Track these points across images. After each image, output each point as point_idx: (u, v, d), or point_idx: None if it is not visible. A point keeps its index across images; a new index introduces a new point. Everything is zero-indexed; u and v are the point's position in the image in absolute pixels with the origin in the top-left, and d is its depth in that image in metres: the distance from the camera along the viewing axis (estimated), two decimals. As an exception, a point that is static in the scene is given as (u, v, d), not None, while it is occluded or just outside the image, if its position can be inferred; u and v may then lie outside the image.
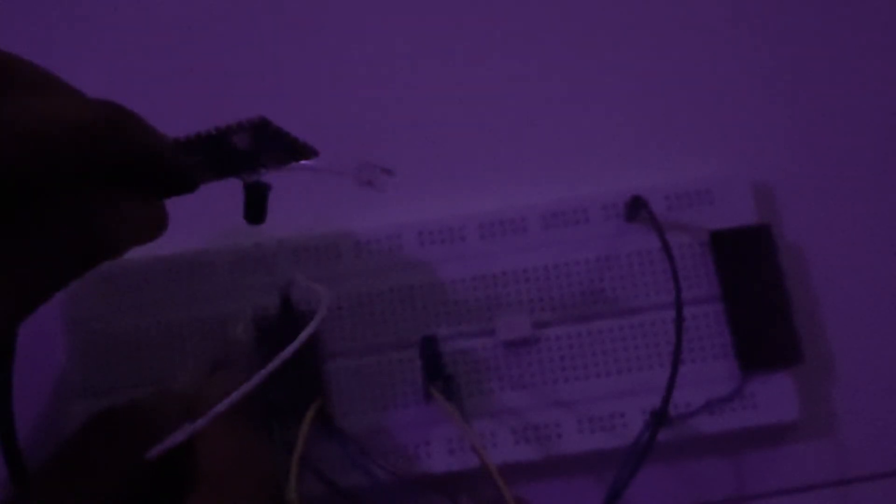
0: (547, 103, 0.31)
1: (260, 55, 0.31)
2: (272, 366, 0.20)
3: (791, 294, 0.27)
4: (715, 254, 0.27)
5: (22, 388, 0.22)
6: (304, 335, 0.21)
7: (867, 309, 0.29)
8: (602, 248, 0.28)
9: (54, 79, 0.19)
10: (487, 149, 0.30)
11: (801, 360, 0.27)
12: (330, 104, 0.31)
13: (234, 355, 0.27)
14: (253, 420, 0.23)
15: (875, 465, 0.27)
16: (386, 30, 0.31)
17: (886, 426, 0.28)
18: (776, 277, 0.27)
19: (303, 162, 0.21)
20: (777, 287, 0.27)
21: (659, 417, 0.25)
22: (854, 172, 0.30)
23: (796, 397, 0.27)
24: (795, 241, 0.29)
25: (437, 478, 0.26)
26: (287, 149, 0.21)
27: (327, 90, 0.31)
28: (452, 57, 0.31)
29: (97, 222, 0.19)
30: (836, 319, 0.28)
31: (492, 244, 0.28)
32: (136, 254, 0.22)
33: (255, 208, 0.22)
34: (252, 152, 0.20)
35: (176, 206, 0.22)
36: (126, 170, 0.19)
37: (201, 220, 0.27)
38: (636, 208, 0.27)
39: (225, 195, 0.22)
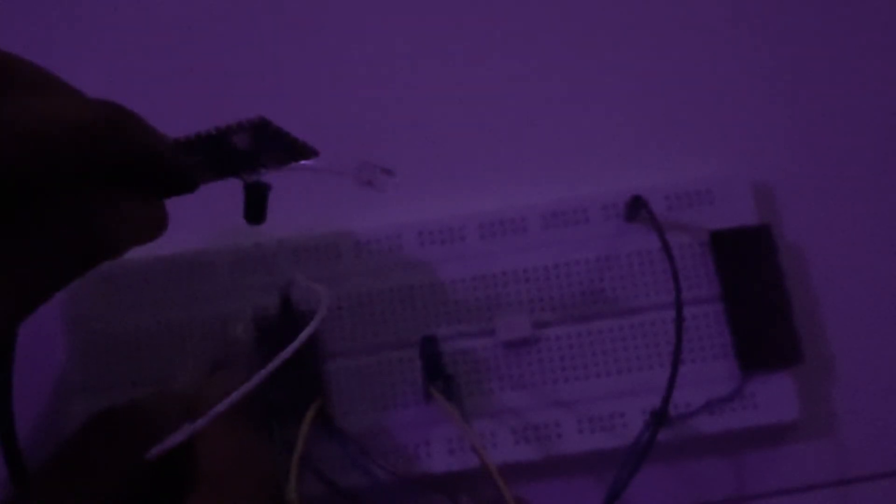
0: (547, 103, 0.31)
1: (260, 55, 0.31)
2: (272, 366, 0.20)
3: (791, 294, 0.27)
4: (715, 254, 0.27)
5: (22, 388, 0.22)
6: (303, 335, 0.21)
7: (867, 309, 0.29)
8: (602, 248, 0.28)
9: (54, 79, 0.19)
10: (487, 149, 0.30)
11: (801, 360, 0.27)
12: (330, 104, 0.31)
13: (234, 355, 0.27)
14: (253, 420, 0.23)
15: (875, 465, 0.27)
16: (386, 30, 0.31)
17: (886, 426, 0.28)
18: (776, 277, 0.27)
19: (303, 162, 0.21)
20: (777, 287, 0.27)
21: (659, 417, 0.25)
22: (854, 172, 0.30)
23: (796, 397, 0.27)
24: (795, 241, 0.29)
25: (437, 478, 0.26)
26: (287, 149, 0.21)
27: (327, 90, 0.31)
28: (452, 57, 0.31)
29: (97, 222, 0.19)
30: (836, 319, 0.28)
31: (492, 244, 0.28)
32: (136, 254, 0.22)
33: (255, 208, 0.22)
34: (252, 152, 0.20)
35: (176, 206, 0.22)
36: (126, 170, 0.19)
37: (201, 220, 0.27)
38: (636, 208, 0.27)
39: (225, 195, 0.22)
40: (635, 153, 0.30)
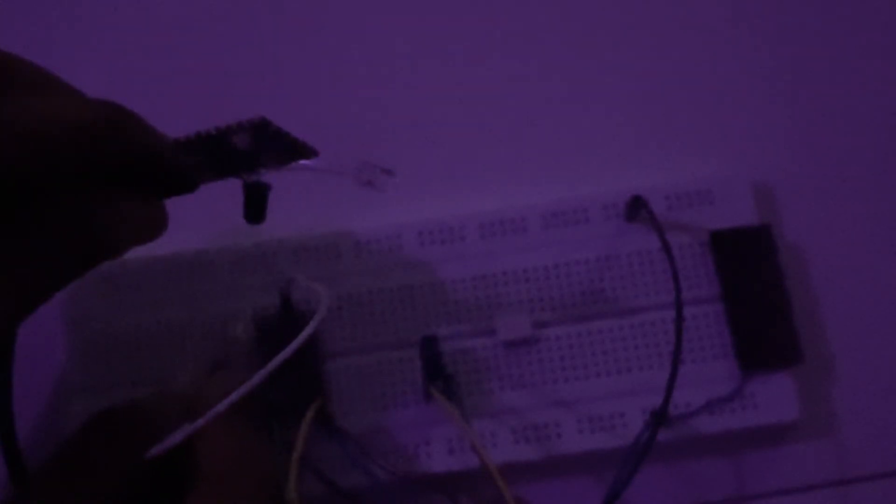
0: (547, 103, 0.31)
1: (260, 55, 0.31)
2: (272, 365, 0.20)
3: (791, 294, 0.27)
4: (715, 254, 0.27)
5: (22, 388, 0.22)
6: (303, 334, 0.21)
7: (867, 309, 0.29)
8: (602, 248, 0.28)
9: (54, 79, 0.19)
10: (487, 149, 0.30)
11: (801, 360, 0.27)
12: (330, 104, 0.31)
13: (234, 355, 0.27)
14: (253, 420, 0.23)
15: (875, 465, 0.27)
16: (386, 30, 0.31)
17: (886, 426, 0.28)
18: (776, 277, 0.27)
19: (303, 162, 0.21)
20: (777, 287, 0.27)
21: (659, 417, 0.25)
22: (854, 172, 0.30)
23: (796, 397, 0.27)
24: (795, 241, 0.29)
25: (437, 478, 0.26)
26: (287, 149, 0.21)
27: (327, 90, 0.31)
28: (452, 57, 0.31)
29: (97, 222, 0.19)
30: (836, 319, 0.28)
31: (492, 244, 0.28)
32: (136, 254, 0.22)
33: (255, 208, 0.22)
34: (252, 152, 0.20)
35: (176, 206, 0.22)
36: (126, 170, 0.19)
37: (201, 220, 0.27)
38: (636, 208, 0.27)
39: (225, 195, 0.22)
40: (635, 153, 0.30)
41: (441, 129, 0.30)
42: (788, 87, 0.30)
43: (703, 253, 0.28)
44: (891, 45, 0.31)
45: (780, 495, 0.27)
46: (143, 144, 0.19)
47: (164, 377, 0.27)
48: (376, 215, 0.28)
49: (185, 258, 0.28)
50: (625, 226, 0.28)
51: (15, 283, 0.17)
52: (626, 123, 0.30)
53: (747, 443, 0.27)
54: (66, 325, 0.27)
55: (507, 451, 0.26)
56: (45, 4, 0.32)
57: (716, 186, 0.28)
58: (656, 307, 0.27)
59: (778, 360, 0.27)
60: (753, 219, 0.28)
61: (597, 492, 0.26)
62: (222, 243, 0.28)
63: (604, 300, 0.27)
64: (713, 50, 0.31)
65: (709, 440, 0.27)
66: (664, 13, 0.31)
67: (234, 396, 0.20)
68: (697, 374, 0.27)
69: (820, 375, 0.28)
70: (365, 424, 0.26)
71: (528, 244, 0.28)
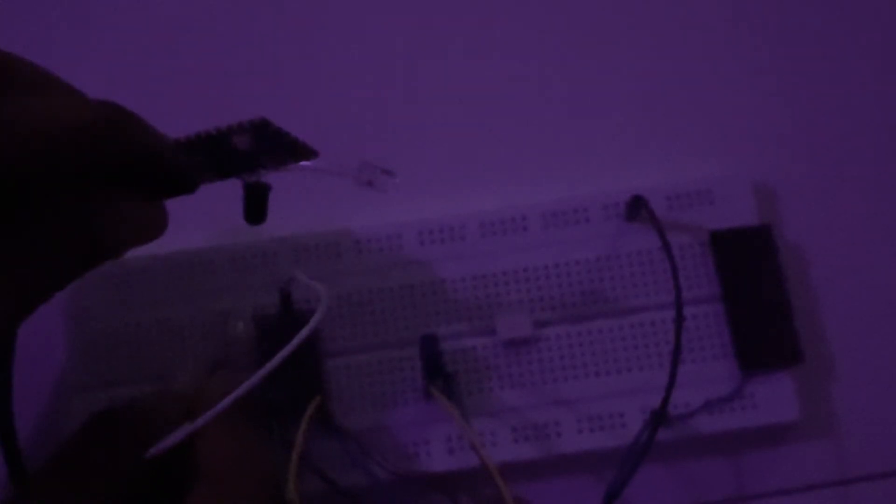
0: (547, 103, 0.31)
1: (260, 55, 0.31)
2: (271, 364, 0.20)
3: (791, 294, 0.27)
4: (715, 254, 0.27)
5: (22, 388, 0.22)
6: (303, 333, 0.21)
7: (867, 309, 0.29)
8: (602, 247, 0.28)
9: (54, 79, 0.19)
10: (487, 149, 0.30)
11: (801, 360, 0.27)
12: (330, 104, 0.31)
13: (234, 354, 0.27)
14: (253, 419, 0.23)
15: (875, 465, 0.27)
16: (386, 30, 0.31)
17: (886, 426, 0.28)
18: (776, 277, 0.27)
19: (303, 162, 0.21)
20: (777, 287, 0.27)
21: (658, 417, 0.25)
22: (854, 172, 0.30)
23: (796, 397, 0.27)
24: (795, 241, 0.29)
25: (436, 477, 0.26)
26: (287, 149, 0.21)
27: (327, 90, 0.31)
28: (452, 57, 0.31)
29: (97, 222, 0.19)
30: (836, 319, 0.28)
31: (492, 243, 0.28)
32: (136, 253, 0.22)
33: (255, 209, 0.22)
34: (252, 153, 0.20)
35: (176, 206, 0.22)
36: (126, 170, 0.19)
37: (201, 220, 0.27)
38: (636, 208, 0.27)
39: (225, 195, 0.22)
40: (635, 153, 0.30)
41: (441, 129, 0.30)
42: (788, 87, 0.30)
43: (703, 253, 0.28)
44: (891, 45, 0.31)
45: (780, 495, 0.27)
46: (143, 144, 0.19)
47: (164, 376, 0.27)
48: (376, 215, 0.28)
49: (185, 258, 0.28)
50: (625, 226, 0.28)
51: (15, 283, 0.17)
52: (626, 123, 0.30)
53: (747, 443, 0.27)
54: (67, 325, 0.27)
55: (507, 450, 0.26)
56: (45, 4, 0.32)
57: (716, 186, 0.28)
58: (656, 307, 0.27)
59: (778, 360, 0.27)
60: (753, 219, 0.28)
61: (596, 491, 0.26)
62: (222, 243, 0.28)
63: (604, 300, 0.27)
64: (713, 50, 0.31)
65: (708, 440, 0.27)
66: (664, 13, 0.31)
67: (233, 396, 0.20)
68: (697, 374, 0.27)
69: (820, 375, 0.28)
70: (365, 423, 0.26)
71: (529, 244, 0.28)
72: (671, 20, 0.31)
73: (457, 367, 0.27)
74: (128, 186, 0.20)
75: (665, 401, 0.25)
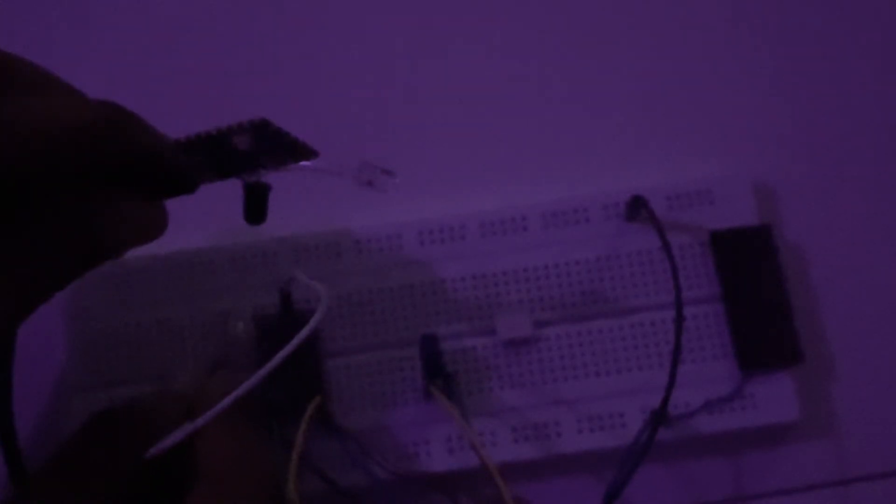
0: (547, 103, 0.31)
1: (260, 55, 0.31)
2: (271, 364, 0.20)
3: (791, 294, 0.27)
4: (715, 254, 0.27)
5: (22, 388, 0.22)
6: (303, 333, 0.21)
7: (867, 309, 0.29)
8: (602, 247, 0.28)
9: (54, 79, 0.19)
10: (487, 149, 0.30)
11: (801, 360, 0.27)
12: (330, 104, 0.31)
13: (234, 354, 0.27)
14: (253, 419, 0.23)
15: (875, 465, 0.27)
16: (386, 30, 0.31)
17: (886, 426, 0.28)
18: (776, 277, 0.27)
19: (303, 162, 0.21)
20: (777, 287, 0.27)
21: (658, 417, 0.25)
22: (854, 172, 0.30)
23: (796, 397, 0.27)
24: (795, 241, 0.29)
25: (436, 476, 0.26)
26: (287, 149, 0.21)
27: (327, 90, 0.31)
28: (452, 57, 0.31)
29: (97, 222, 0.19)
30: (836, 319, 0.28)
31: (492, 243, 0.28)
32: (136, 253, 0.22)
33: (255, 209, 0.22)
34: (252, 153, 0.20)
35: (176, 206, 0.22)
36: (126, 170, 0.19)
37: (201, 220, 0.27)
38: (636, 208, 0.27)
39: (225, 195, 0.22)
40: (635, 153, 0.30)
41: (441, 129, 0.30)
42: (788, 87, 0.30)
43: (703, 253, 0.28)
44: (891, 45, 0.31)
45: (780, 495, 0.27)
46: (143, 144, 0.19)
47: (164, 376, 0.27)
48: (376, 215, 0.28)
49: (185, 258, 0.28)
50: (625, 226, 0.28)
51: (15, 283, 0.17)
52: (626, 123, 0.30)
53: (747, 443, 0.27)
54: (67, 325, 0.27)
55: (507, 450, 0.26)
56: (45, 4, 0.32)
57: (716, 186, 0.28)
58: (656, 307, 0.27)
59: (778, 360, 0.27)
60: (753, 219, 0.28)
61: (596, 491, 0.26)
62: (222, 243, 0.28)
63: (604, 300, 0.27)
64: (713, 50, 0.31)
65: (708, 440, 0.27)
66: (664, 13, 0.31)
67: (233, 396, 0.20)
68: (697, 374, 0.27)
69: (820, 375, 0.28)
70: (365, 423, 0.26)
71: (529, 244, 0.28)
72: (671, 20, 0.31)
73: (457, 367, 0.27)
74: (128, 186, 0.20)
75: (665, 401, 0.25)
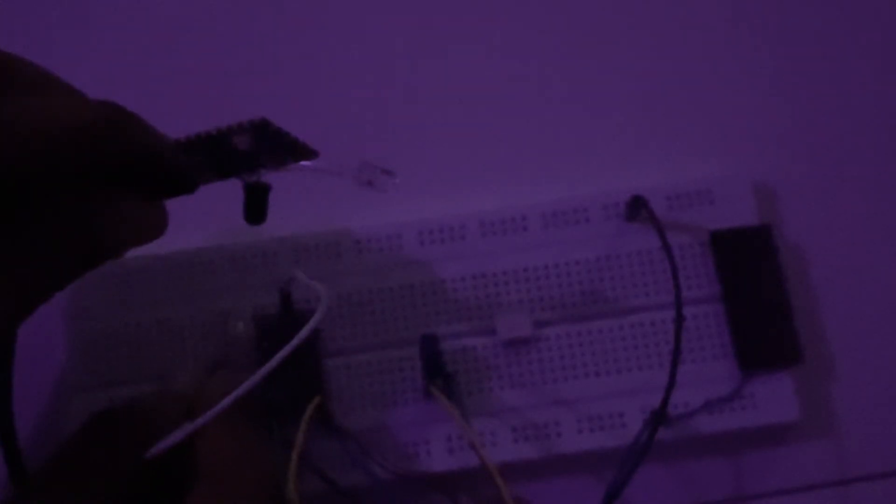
0: (547, 103, 0.31)
1: (260, 55, 0.31)
2: (271, 364, 0.20)
3: (791, 294, 0.27)
4: (715, 254, 0.27)
5: (22, 388, 0.22)
6: (303, 333, 0.21)
7: (867, 309, 0.29)
8: (602, 247, 0.28)
9: (54, 79, 0.19)
10: (487, 149, 0.30)
11: (801, 360, 0.27)
12: (330, 104, 0.31)
13: (234, 354, 0.27)
14: (253, 419, 0.23)
15: (875, 465, 0.27)
16: (386, 30, 0.31)
17: (886, 426, 0.28)
18: (776, 277, 0.27)
19: (303, 162, 0.21)
20: (777, 287, 0.27)
21: (658, 417, 0.25)
22: (854, 172, 0.30)
23: (796, 397, 0.27)
24: (795, 241, 0.29)
25: (436, 476, 0.26)
26: (287, 149, 0.21)
27: (327, 90, 0.31)
28: (452, 57, 0.31)
29: (97, 222, 0.19)
30: (836, 319, 0.28)
31: (492, 243, 0.28)
32: (136, 253, 0.22)
33: (255, 209, 0.22)
34: (252, 153, 0.20)
35: (176, 206, 0.22)
36: (126, 170, 0.19)
37: (201, 220, 0.27)
38: (636, 208, 0.27)
39: (225, 195, 0.22)
40: (635, 153, 0.30)
41: (441, 129, 0.30)
42: (788, 87, 0.30)
43: (703, 253, 0.28)
44: (891, 45, 0.31)
45: (780, 495, 0.27)
46: (143, 145, 0.19)
47: (164, 376, 0.27)
48: (376, 215, 0.28)
49: (185, 258, 0.28)
50: (625, 226, 0.28)
51: (15, 283, 0.17)
52: (626, 123, 0.30)
53: (747, 443, 0.27)
54: (67, 325, 0.27)
55: (507, 450, 0.26)
56: (45, 4, 0.32)
57: (716, 186, 0.28)
58: (656, 307, 0.27)
59: (778, 360, 0.27)
60: (753, 219, 0.28)
61: (596, 491, 0.26)
62: (222, 243, 0.28)
63: (604, 300, 0.27)
64: (713, 50, 0.31)
65: (708, 440, 0.27)
66: (664, 13, 0.31)
67: (233, 396, 0.20)
68: (697, 374, 0.27)
69: (820, 375, 0.28)
70: (365, 423, 0.26)
71: (529, 244, 0.28)
72: (671, 20, 0.31)
73: (457, 367, 0.27)
74: (128, 186, 0.20)
75: (665, 401, 0.25)
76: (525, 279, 0.28)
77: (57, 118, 0.17)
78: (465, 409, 0.26)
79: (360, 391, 0.27)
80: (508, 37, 0.31)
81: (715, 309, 0.27)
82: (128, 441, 0.21)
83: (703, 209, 0.28)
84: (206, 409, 0.20)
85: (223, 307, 0.27)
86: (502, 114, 0.30)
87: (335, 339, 0.27)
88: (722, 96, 0.30)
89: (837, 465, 0.27)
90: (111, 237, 0.19)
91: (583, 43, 0.31)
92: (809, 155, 0.30)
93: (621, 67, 0.31)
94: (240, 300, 0.27)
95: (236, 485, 0.21)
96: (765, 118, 0.30)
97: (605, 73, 0.31)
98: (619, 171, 0.30)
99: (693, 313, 0.27)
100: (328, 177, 0.22)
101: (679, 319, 0.25)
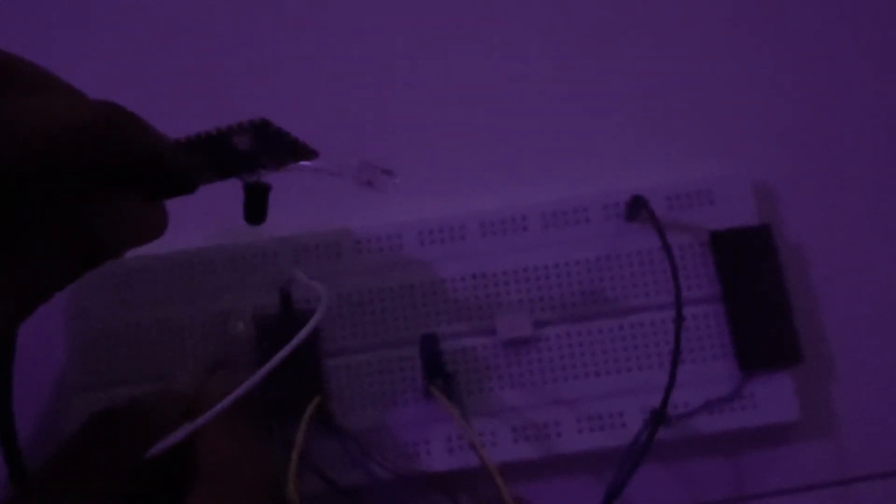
0: (547, 103, 0.31)
1: (260, 55, 0.31)
2: (271, 364, 0.20)
3: (791, 294, 0.27)
4: (715, 254, 0.27)
5: (22, 388, 0.22)
6: (303, 333, 0.21)
7: (867, 309, 0.29)
8: (602, 247, 0.28)
9: (54, 79, 0.19)
10: (487, 149, 0.30)
11: (801, 360, 0.27)
12: (330, 104, 0.31)
13: (234, 354, 0.27)
14: (253, 419, 0.23)
15: (875, 465, 0.27)
16: (386, 30, 0.31)
17: (886, 426, 0.28)
18: (776, 277, 0.27)
19: (303, 162, 0.21)
20: (777, 287, 0.27)
21: (658, 417, 0.25)
22: (854, 172, 0.30)
23: (796, 397, 0.27)
24: (795, 241, 0.29)
25: (436, 476, 0.26)
26: (287, 149, 0.21)
27: (327, 90, 0.31)
28: (452, 57, 0.31)
29: (97, 222, 0.19)
30: (836, 319, 0.28)
31: (492, 243, 0.28)
32: (136, 253, 0.22)
33: (255, 209, 0.22)
34: (252, 153, 0.20)
35: (176, 206, 0.22)
36: (126, 170, 0.19)
37: (201, 220, 0.27)
38: (636, 208, 0.27)
39: (225, 195, 0.22)
40: (635, 153, 0.30)
41: (441, 129, 0.30)
42: (788, 87, 0.30)
43: (703, 253, 0.28)
44: (891, 45, 0.31)
45: (780, 495, 0.27)
46: (143, 145, 0.19)
47: (164, 376, 0.27)
48: (376, 215, 0.28)
49: (185, 257, 0.28)
50: (625, 226, 0.28)
51: (15, 283, 0.17)
52: (626, 123, 0.30)
53: (747, 443, 0.27)
54: (67, 325, 0.27)
55: (507, 449, 0.26)
56: (45, 4, 0.32)
57: (716, 186, 0.28)
58: (656, 307, 0.27)
59: (778, 360, 0.27)
60: (753, 219, 0.28)
61: (596, 491, 0.26)
62: (222, 243, 0.28)
63: (604, 300, 0.27)
64: (713, 50, 0.31)
65: (708, 440, 0.27)
66: (664, 13, 0.31)
67: (233, 396, 0.20)
68: (697, 374, 0.27)
69: (820, 375, 0.28)
70: (365, 423, 0.26)
71: (529, 244, 0.28)
72: (671, 20, 0.31)
73: (457, 367, 0.27)
74: (128, 186, 0.20)
75: (665, 401, 0.25)
76: (525, 279, 0.28)
77: (57, 118, 0.17)
78: (465, 409, 0.26)
79: (360, 391, 0.27)
80: (508, 37, 0.31)
81: (715, 309, 0.27)
82: (128, 441, 0.21)
83: (703, 209, 0.28)
84: (206, 409, 0.20)
85: (223, 307, 0.27)
86: (502, 114, 0.30)
87: (335, 339, 0.27)
88: (722, 96, 0.30)
89: (837, 465, 0.27)
90: (111, 237, 0.19)
91: (583, 43, 0.31)
92: (809, 155, 0.30)
93: (621, 67, 0.31)
94: (240, 300, 0.27)
95: (236, 485, 0.21)
96: (765, 118, 0.30)
97: (605, 73, 0.31)
98: (619, 171, 0.30)
99: (693, 313, 0.27)
100: (328, 177, 0.22)
101: (679, 319, 0.25)
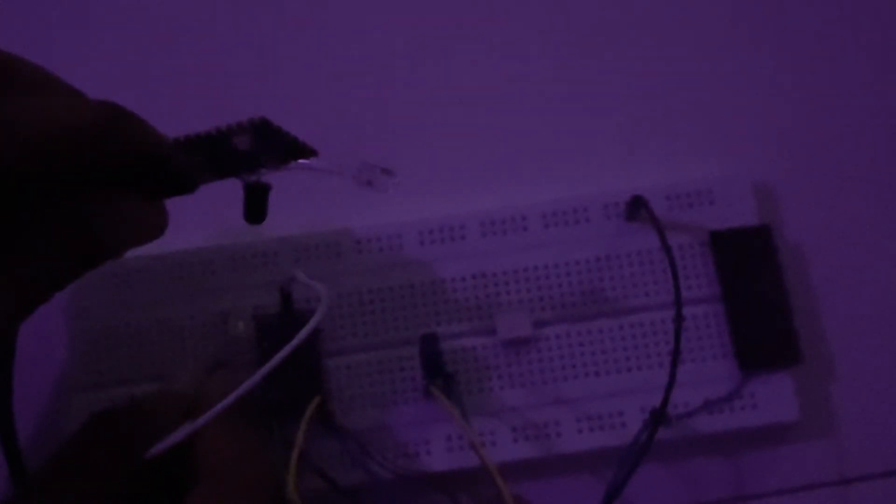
0: (547, 103, 0.31)
1: (260, 55, 0.31)
2: (271, 364, 0.20)
3: (791, 294, 0.27)
4: (715, 254, 0.27)
5: (23, 387, 0.22)
6: (303, 333, 0.21)
7: (867, 309, 0.29)
8: (602, 247, 0.28)
9: (54, 79, 0.19)
10: (487, 149, 0.30)
11: (801, 360, 0.27)
12: (330, 104, 0.31)
13: (234, 354, 0.27)
14: (253, 419, 0.23)
15: (875, 465, 0.27)
16: (386, 30, 0.31)
17: (886, 426, 0.28)
18: (776, 277, 0.27)
19: (303, 162, 0.21)
20: (777, 287, 0.27)
21: (658, 417, 0.25)
22: (854, 172, 0.30)
23: (796, 397, 0.27)
24: (795, 241, 0.29)
25: (436, 476, 0.26)
26: (287, 149, 0.21)
27: (327, 90, 0.31)
28: (452, 57, 0.31)
29: (97, 222, 0.19)
30: (836, 319, 0.28)
31: (492, 243, 0.28)
32: (137, 253, 0.22)
33: (255, 208, 0.22)
34: (252, 152, 0.20)
35: (176, 206, 0.22)
36: (126, 170, 0.19)
37: (201, 220, 0.27)
38: (637, 208, 0.27)
39: (225, 195, 0.22)
40: (635, 153, 0.30)
41: (441, 129, 0.30)
42: (788, 87, 0.30)
43: (703, 253, 0.28)
44: (891, 45, 0.31)
45: (780, 495, 0.27)
46: (143, 144, 0.19)
47: (164, 376, 0.27)
48: (376, 214, 0.28)
49: (185, 257, 0.28)
50: (625, 226, 0.28)
51: (15, 283, 0.17)
52: (626, 123, 0.30)
53: (747, 443, 0.27)
54: (67, 325, 0.27)
55: (507, 449, 0.26)
56: (45, 4, 0.32)
57: (716, 186, 0.28)
58: (656, 307, 0.27)
59: (777, 360, 0.27)
60: (753, 219, 0.28)
61: (596, 491, 0.26)
62: (222, 243, 0.28)
63: (604, 300, 0.27)
64: (713, 50, 0.31)
65: (708, 440, 0.27)
66: (664, 13, 0.31)
67: (233, 396, 0.20)
68: (697, 374, 0.27)
69: (820, 375, 0.28)
70: (365, 423, 0.26)
71: (529, 243, 0.28)
72: (671, 20, 0.31)
73: (457, 367, 0.27)
74: (128, 186, 0.20)
75: (665, 400, 0.25)
76: (525, 279, 0.28)
77: (57, 118, 0.17)
78: (465, 409, 0.26)
79: (360, 391, 0.27)
80: (508, 37, 0.31)
81: (715, 309, 0.27)
82: (128, 441, 0.21)
83: (703, 209, 0.28)
84: (206, 409, 0.20)
85: (223, 307, 0.27)
86: (502, 114, 0.30)
87: (335, 339, 0.27)
88: (722, 96, 0.30)
89: (837, 465, 0.27)
90: (111, 237, 0.19)
91: (583, 43, 0.31)
92: (809, 155, 0.30)
93: (621, 67, 0.31)
94: (240, 300, 0.27)
95: (236, 485, 0.21)
96: (765, 118, 0.30)
97: (605, 73, 0.31)
98: (619, 171, 0.30)
99: (693, 313, 0.27)
100: (328, 177, 0.22)
101: (679, 319, 0.25)
